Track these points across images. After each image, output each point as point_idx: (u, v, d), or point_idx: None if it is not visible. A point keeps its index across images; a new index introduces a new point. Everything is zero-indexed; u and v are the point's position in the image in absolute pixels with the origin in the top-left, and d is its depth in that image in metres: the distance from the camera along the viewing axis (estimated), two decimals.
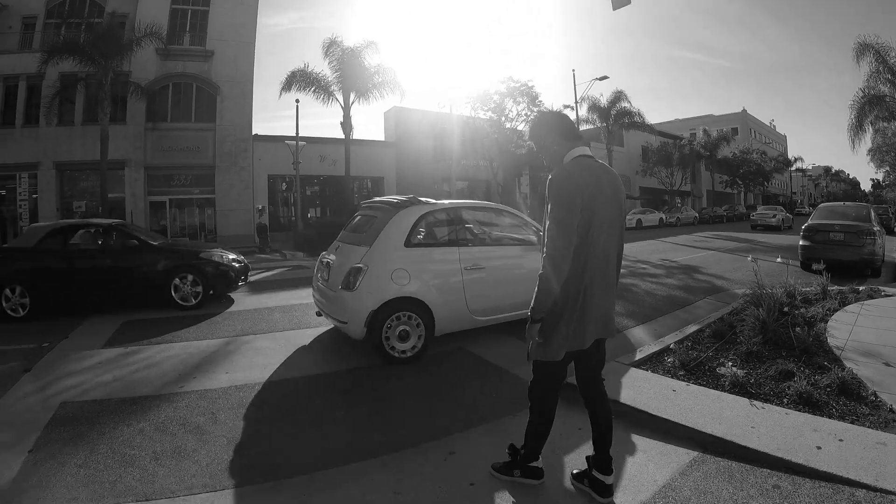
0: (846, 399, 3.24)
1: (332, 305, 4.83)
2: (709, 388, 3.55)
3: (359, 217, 5.63)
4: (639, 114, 33.76)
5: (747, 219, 34.43)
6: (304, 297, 8.08)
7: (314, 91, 20.93)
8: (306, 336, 5.78)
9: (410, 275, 4.65)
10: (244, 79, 24.18)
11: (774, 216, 27.98)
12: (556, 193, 2.14)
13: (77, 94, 20.50)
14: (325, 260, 5.31)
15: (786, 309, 4.83)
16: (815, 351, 4.11)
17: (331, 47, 20.82)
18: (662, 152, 40.49)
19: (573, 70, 39.77)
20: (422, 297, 4.65)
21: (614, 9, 10.86)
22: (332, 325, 5.65)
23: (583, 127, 32.80)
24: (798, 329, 4.31)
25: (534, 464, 2.50)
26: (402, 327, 4.62)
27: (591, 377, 2.42)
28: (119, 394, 4.04)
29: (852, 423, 2.93)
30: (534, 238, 5.52)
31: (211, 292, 7.88)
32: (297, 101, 21.45)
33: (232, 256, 8.40)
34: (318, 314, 5.56)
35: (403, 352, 4.63)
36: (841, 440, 2.70)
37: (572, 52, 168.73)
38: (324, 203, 27.11)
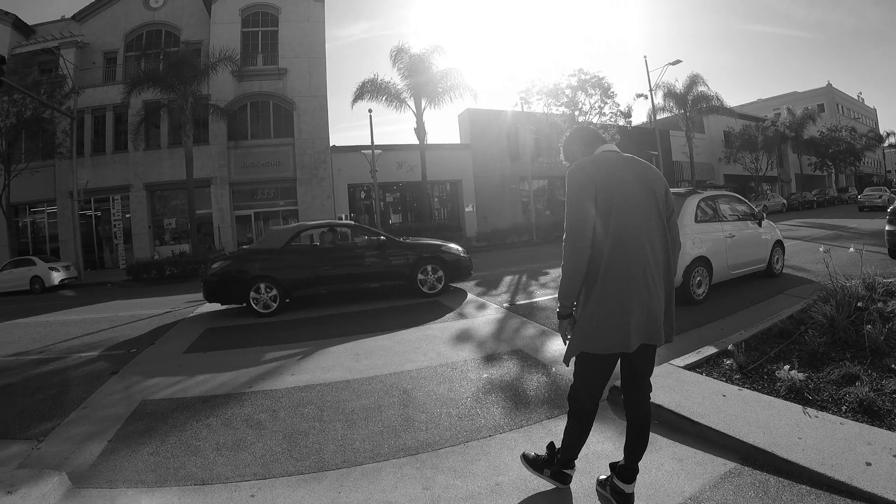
0: None
1: None
2: (763, 393, 3.33)
3: None
4: (717, 97, 31.95)
5: (840, 203, 32.31)
6: (354, 306, 8.46)
7: (386, 99, 21.39)
8: (369, 340, 6.05)
9: (701, 241, 6.84)
10: (318, 93, 25.17)
11: (881, 197, 27.51)
12: (567, 186, 2.17)
13: (161, 120, 22.41)
14: None
15: (859, 304, 4.38)
16: (886, 351, 3.70)
17: (398, 55, 21.24)
18: (745, 136, 37.82)
19: (645, 56, 38.23)
20: (708, 256, 6.86)
21: None
22: None
23: (659, 115, 31.55)
24: (869, 327, 3.87)
25: (567, 470, 2.46)
26: (698, 277, 6.74)
27: (633, 382, 2.32)
28: (194, 393, 4.47)
29: None
30: (747, 216, 7.98)
31: (451, 283, 8.92)
32: (370, 110, 22.18)
33: (462, 250, 9.30)
34: None
35: (700, 294, 6.78)
36: (895, 456, 2.43)
37: (643, 36, 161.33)
38: (405, 209, 27.69)
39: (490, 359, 4.83)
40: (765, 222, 8.17)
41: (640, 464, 2.31)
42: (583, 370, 2.27)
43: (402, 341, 5.80)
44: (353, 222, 10.52)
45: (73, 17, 25.53)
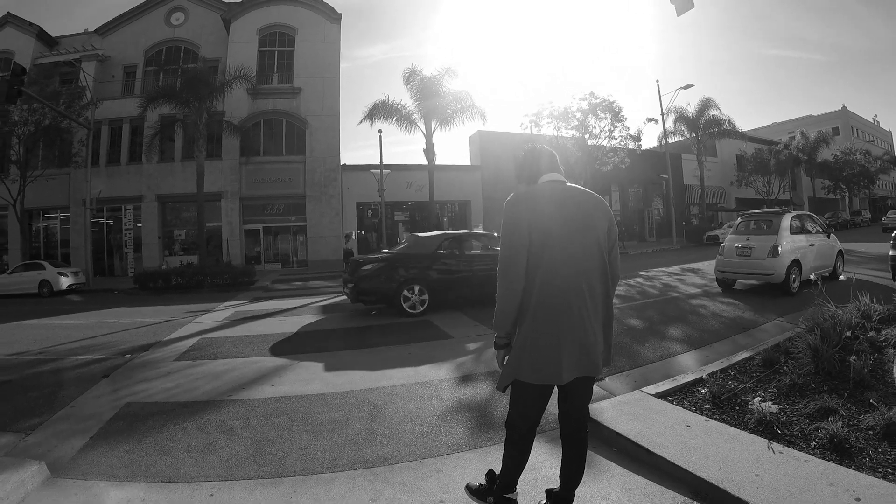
0: (889, 446, 2.76)
1: (758, 267, 8.94)
2: (730, 425, 3.24)
3: (750, 221, 9.83)
4: (729, 121, 32.12)
5: (853, 226, 32.20)
6: (351, 322, 8.54)
7: (396, 120, 21.62)
8: (352, 355, 6.19)
9: (794, 248, 8.92)
10: (331, 112, 25.72)
11: None
12: (503, 220, 2.21)
13: (176, 134, 22.95)
14: (738, 244, 9.33)
15: (848, 333, 4.30)
16: (871, 384, 3.59)
17: (411, 77, 21.51)
18: (758, 159, 37.82)
19: (657, 80, 38.54)
20: (799, 259, 8.90)
21: (678, 14, 10.61)
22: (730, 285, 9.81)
23: (671, 139, 31.65)
24: (854, 357, 3.74)
25: (508, 495, 2.41)
26: (793, 275, 8.77)
27: (568, 412, 2.32)
28: (176, 398, 4.62)
29: (883, 477, 2.48)
30: (820, 230, 10.09)
31: None
32: (380, 131, 22.63)
33: None
34: (722, 281, 9.84)
35: (794, 288, 8.77)
36: (858, 500, 2.29)
37: (655, 59, 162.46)
38: (413, 228, 27.84)
39: (465, 379, 4.89)
40: (832, 236, 10.27)
41: (587, 492, 2.32)
42: (517, 398, 2.27)
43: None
44: (485, 232, 11.41)
45: (96, 30, 26.44)
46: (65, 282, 17.67)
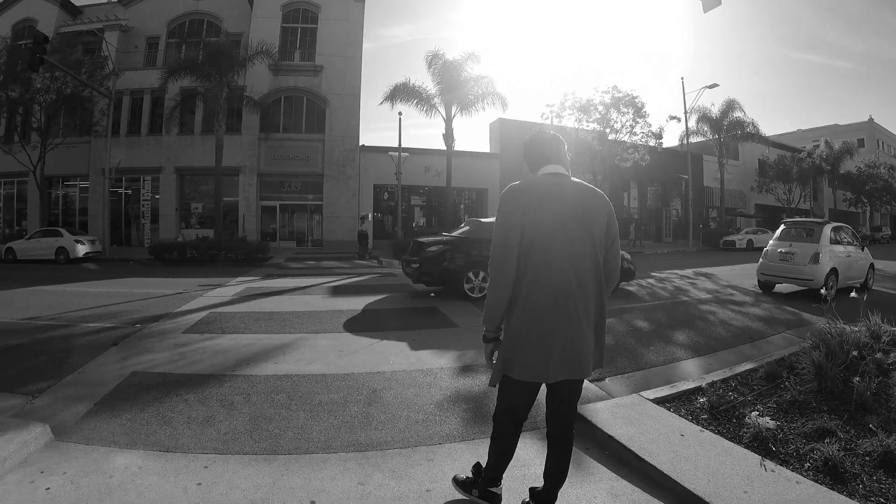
0: (884, 474, 2.68)
1: (799, 272, 9.51)
2: (725, 437, 3.19)
3: (791, 229, 10.40)
4: (753, 124, 31.55)
5: (873, 241, 31.57)
6: (350, 304, 8.66)
7: (417, 103, 21.55)
8: (357, 338, 6.23)
9: (832, 257, 9.44)
10: (351, 92, 25.65)
11: None
12: (497, 212, 2.19)
13: (196, 107, 23.09)
14: (781, 250, 9.89)
15: (855, 353, 4.21)
16: (872, 408, 3.47)
17: (433, 60, 21.38)
18: (780, 166, 37.10)
19: (682, 78, 37.80)
20: (836, 267, 9.40)
21: (705, 11, 10.44)
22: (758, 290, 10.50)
23: (693, 139, 31.17)
24: (858, 378, 3.64)
25: (493, 489, 2.43)
26: (830, 282, 9.08)
27: (555, 411, 2.32)
28: (181, 370, 4.72)
29: None
30: (855, 243, 10.58)
31: (622, 283, 10.10)
32: (400, 113, 22.59)
33: (630, 258, 10.53)
34: (764, 283, 10.47)
35: (832, 295, 7.87)
36: None
37: (680, 55, 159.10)
38: (429, 213, 28.03)
39: (466, 369, 4.91)
40: (866, 249, 10.79)
41: (573, 494, 2.31)
42: (505, 393, 2.27)
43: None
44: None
45: (120, 0, 26.56)
46: (81, 249, 17.96)
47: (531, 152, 2.33)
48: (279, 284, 11.49)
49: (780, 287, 10.54)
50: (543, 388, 2.29)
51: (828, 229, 9.78)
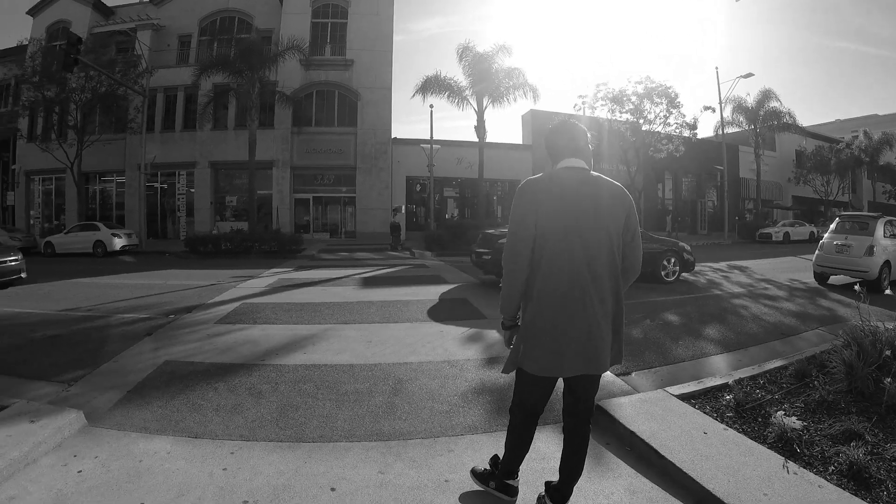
0: None
1: (854, 264, 9.66)
2: (748, 437, 3.10)
3: (846, 222, 10.60)
4: (790, 114, 30.15)
5: None
6: (381, 295, 8.73)
7: (448, 96, 21.50)
8: (386, 328, 6.32)
9: (885, 250, 9.62)
10: (383, 85, 25.74)
11: None
12: (513, 205, 2.20)
13: (229, 102, 23.44)
14: (837, 242, 10.05)
15: (888, 353, 4.04)
16: None
17: (464, 52, 21.29)
18: (818, 157, 35.60)
19: (716, 68, 36.55)
20: (890, 260, 9.62)
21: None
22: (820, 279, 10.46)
23: (728, 129, 30.20)
24: (889, 380, 3.45)
25: (509, 481, 2.44)
26: (884, 274, 9.50)
27: (571, 406, 2.31)
28: (212, 360, 4.88)
29: None
30: None
31: (682, 273, 10.49)
32: (432, 106, 22.96)
33: (689, 249, 10.83)
34: (819, 274, 10.46)
35: (885, 287, 9.51)
36: None
37: (714, 44, 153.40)
38: (462, 205, 27.99)
39: (492, 361, 4.91)
40: None
41: (591, 489, 2.28)
42: (521, 386, 2.29)
43: None
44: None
45: (152, 0, 27.22)
46: (118, 243, 18.54)
47: (552, 144, 2.31)
48: (311, 276, 11.70)
49: (834, 279, 10.64)
50: (561, 381, 2.28)
51: (882, 223, 10.09)
